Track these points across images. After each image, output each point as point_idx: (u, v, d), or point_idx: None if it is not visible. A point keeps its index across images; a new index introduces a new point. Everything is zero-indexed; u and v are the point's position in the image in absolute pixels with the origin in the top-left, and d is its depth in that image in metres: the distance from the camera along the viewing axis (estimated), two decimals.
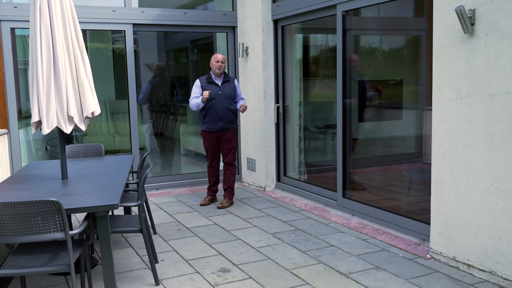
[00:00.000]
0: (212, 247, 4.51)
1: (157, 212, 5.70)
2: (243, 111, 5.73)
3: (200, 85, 5.74)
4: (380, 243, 4.48)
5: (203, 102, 5.60)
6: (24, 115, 6.40)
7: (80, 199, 3.26)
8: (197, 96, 5.70)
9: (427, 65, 4.39)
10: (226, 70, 6.74)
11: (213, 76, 5.76)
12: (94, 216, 3.28)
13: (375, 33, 5.64)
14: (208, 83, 5.71)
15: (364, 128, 5.80)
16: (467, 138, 3.71)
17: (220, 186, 6.37)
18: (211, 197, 6.06)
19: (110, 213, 4.22)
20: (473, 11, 3.55)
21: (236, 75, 7.14)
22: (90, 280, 3.53)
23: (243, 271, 3.94)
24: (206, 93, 5.55)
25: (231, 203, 5.95)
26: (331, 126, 6.04)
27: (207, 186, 6.17)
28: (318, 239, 4.65)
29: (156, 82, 8.10)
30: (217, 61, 5.70)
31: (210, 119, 5.71)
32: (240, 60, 7.00)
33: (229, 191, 5.97)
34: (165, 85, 8.45)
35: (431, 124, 4.03)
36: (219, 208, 5.81)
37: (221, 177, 6.16)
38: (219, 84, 5.71)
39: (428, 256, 4.12)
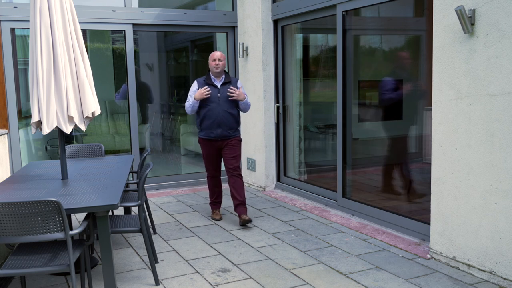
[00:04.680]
0: (212, 247, 4.51)
1: (157, 212, 5.70)
2: (234, 94, 4.98)
3: (196, 88, 5.11)
4: (380, 243, 4.48)
5: (195, 100, 4.98)
6: (24, 115, 6.40)
7: (80, 199, 3.26)
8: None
9: (427, 65, 4.39)
10: (226, 70, 6.66)
11: (212, 76, 5.13)
12: (94, 216, 3.28)
13: (375, 33, 5.65)
14: (206, 85, 5.06)
15: (365, 128, 5.80)
16: (467, 138, 3.71)
17: (226, 197, 5.92)
18: (219, 209, 5.48)
19: (110, 213, 4.22)
20: (473, 11, 3.55)
21: (236, 75, 7.14)
22: (90, 280, 3.53)
23: (243, 271, 3.94)
24: (203, 89, 4.94)
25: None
26: (331, 126, 6.04)
27: (210, 201, 5.50)
28: (318, 239, 4.65)
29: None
30: (214, 60, 5.06)
31: (208, 126, 5.06)
32: (240, 60, 7.00)
33: (244, 206, 5.18)
34: (142, 87, 8.25)
35: (431, 124, 4.03)
36: (247, 221, 5.02)
37: (224, 185, 5.62)
38: (218, 86, 5.07)
39: (428, 256, 4.12)
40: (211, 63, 5.09)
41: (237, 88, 5.10)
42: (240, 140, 5.27)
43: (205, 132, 5.12)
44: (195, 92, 5.07)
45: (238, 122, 5.22)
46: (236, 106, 5.15)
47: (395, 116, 5.22)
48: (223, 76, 5.15)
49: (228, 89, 5.02)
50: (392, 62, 5.35)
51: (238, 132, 5.26)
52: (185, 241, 4.69)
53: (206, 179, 7.06)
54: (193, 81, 5.30)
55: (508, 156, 3.43)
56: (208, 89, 4.96)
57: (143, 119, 7.97)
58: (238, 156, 5.22)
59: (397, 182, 5.23)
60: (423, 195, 4.61)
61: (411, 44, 5.26)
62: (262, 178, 6.70)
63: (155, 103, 8.41)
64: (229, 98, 5.03)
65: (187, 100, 5.13)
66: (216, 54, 5.10)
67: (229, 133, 5.11)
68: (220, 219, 5.35)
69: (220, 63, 5.07)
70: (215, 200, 5.46)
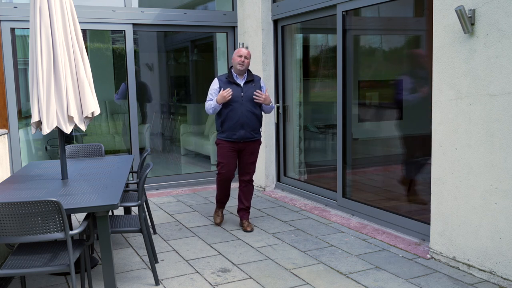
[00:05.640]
0: (212, 247, 4.51)
1: (157, 212, 5.70)
2: (260, 98, 4.74)
3: (218, 85, 4.82)
4: (380, 243, 4.48)
5: (218, 104, 4.71)
6: (24, 115, 6.40)
7: (80, 199, 3.26)
8: (212, 99, 4.82)
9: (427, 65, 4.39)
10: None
11: (234, 74, 4.83)
12: (94, 216, 3.28)
13: (375, 33, 5.65)
14: (228, 83, 4.77)
15: (365, 128, 5.80)
16: (467, 138, 3.71)
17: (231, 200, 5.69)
18: (222, 210, 5.26)
19: (110, 213, 4.22)
20: (473, 11, 3.56)
21: None
22: (90, 280, 3.53)
23: (243, 271, 3.94)
24: (225, 92, 4.63)
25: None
26: (331, 126, 6.04)
27: (216, 198, 5.22)
28: (318, 239, 4.65)
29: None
30: (240, 56, 4.74)
31: (230, 127, 4.76)
32: None
33: (247, 211, 5.11)
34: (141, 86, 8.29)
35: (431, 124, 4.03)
36: (248, 232, 4.92)
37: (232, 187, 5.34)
38: (241, 85, 4.79)
39: (428, 256, 4.12)
40: (236, 59, 4.76)
41: (260, 86, 4.90)
42: (261, 143, 5.03)
43: (226, 133, 4.80)
44: (216, 90, 4.81)
45: (261, 123, 4.94)
46: (259, 106, 4.87)
47: (412, 115, 5.07)
48: (246, 74, 4.87)
49: (255, 93, 4.75)
50: (405, 61, 5.31)
51: (260, 134, 4.98)
52: (185, 241, 4.69)
53: (206, 179, 7.08)
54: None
55: (508, 156, 3.43)
56: (230, 91, 4.67)
57: (143, 119, 7.97)
58: (255, 162, 5.03)
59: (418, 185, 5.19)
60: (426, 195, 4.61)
61: (411, 44, 5.26)
62: (262, 178, 6.70)
63: (155, 103, 8.42)
64: (255, 101, 4.77)
65: (208, 99, 4.86)
66: (243, 50, 4.80)
67: (252, 134, 4.83)
68: (220, 223, 5.14)
69: (246, 60, 4.77)
70: (220, 200, 5.20)
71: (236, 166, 4.99)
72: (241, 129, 4.76)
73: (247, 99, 4.76)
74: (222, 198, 5.17)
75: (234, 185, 5.46)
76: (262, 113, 4.98)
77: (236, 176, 5.22)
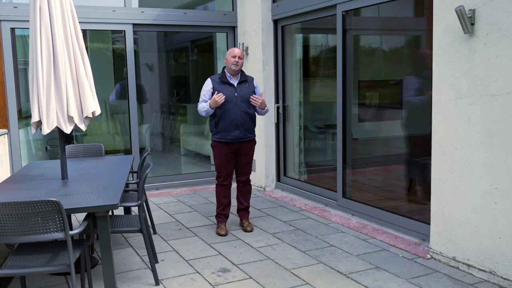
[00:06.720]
0: (212, 247, 4.51)
1: (157, 212, 5.70)
2: (257, 102, 4.73)
3: (211, 86, 4.76)
4: (380, 243, 4.48)
5: (211, 108, 4.67)
6: (24, 115, 6.40)
7: (80, 199, 3.26)
8: (205, 100, 4.77)
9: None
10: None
11: (227, 74, 4.79)
12: (94, 216, 3.28)
13: (375, 33, 5.65)
14: (222, 83, 4.73)
15: (365, 128, 5.80)
16: (467, 138, 3.71)
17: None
18: (225, 223, 4.98)
19: (110, 213, 4.22)
20: (473, 11, 3.56)
21: None
22: (90, 280, 3.53)
23: (243, 271, 3.94)
24: (217, 97, 4.58)
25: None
26: (331, 126, 6.04)
27: (216, 211, 5.01)
28: (318, 239, 4.65)
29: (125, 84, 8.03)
30: (234, 56, 4.70)
31: (224, 127, 4.71)
32: None
33: (247, 211, 5.10)
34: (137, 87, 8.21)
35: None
36: (248, 232, 4.94)
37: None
38: (235, 85, 4.75)
39: (428, 256, 4.12)
40: (230, 59, 4.72)
41: (254, 87, 4.86)
42: (255, 143, 4.98)
43: (221, 134, 4.74)
44: (209, 91, 4.75)
45: (255, 123, 4.90)
46: (253, 107, 4.82)
47: (412, 115, 5.03)
48: (239, 74, 4.83)
49: (252, 97, 4.72)
50: (405, 61, 5.30)
51: (254, 133, 4.93)
52: (185, 241, 4.69)
53: (206, 179, 7.08)
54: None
55: (508, 156, 3.43)
56: (223, 96, 4.60)
57: (142, 119, 7.97)
58: (251, 162, 4.98)
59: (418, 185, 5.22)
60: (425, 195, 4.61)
61: (411, 44, 5.26)
62: (262, 178, 6.70)
63: (155, 103, 8.42)
64: (252, 103, 4.75)
65: (201, 100, 4.79)
66: (236, 50, 4.76)
67: (246, 135, 4.79)
68: (226, 235, 4.83)
69: (240, 61, 4.74)
70: (221, 212, 4.95)
71: (234, 167, 4.93)
72: (236, 130, 4.71)
73: (241, 99, 4.71)
74: (222, 210, 4.95)
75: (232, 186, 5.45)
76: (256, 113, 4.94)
77: (233, 177, 5.17)
